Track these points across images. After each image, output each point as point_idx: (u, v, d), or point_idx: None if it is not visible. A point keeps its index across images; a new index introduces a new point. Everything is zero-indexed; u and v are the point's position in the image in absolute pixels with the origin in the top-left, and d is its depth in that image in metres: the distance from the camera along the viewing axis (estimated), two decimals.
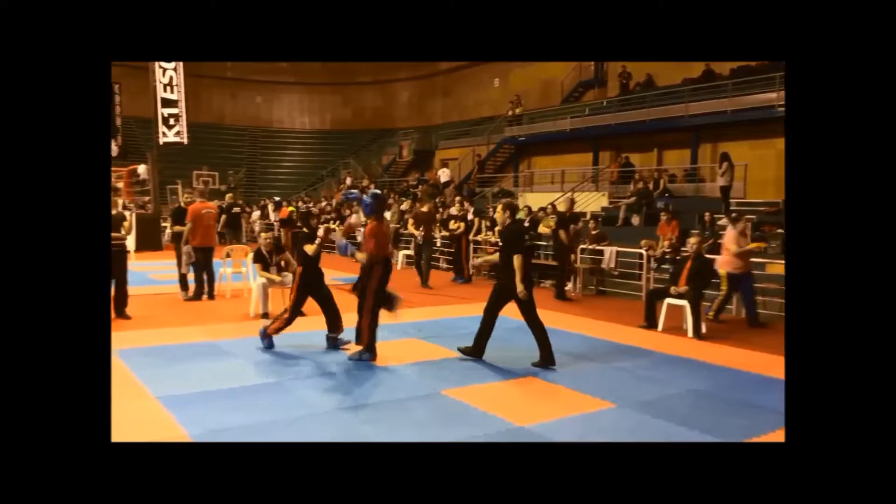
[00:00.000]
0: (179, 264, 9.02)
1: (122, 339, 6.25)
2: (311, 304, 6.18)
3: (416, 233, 11.40)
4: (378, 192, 6.15)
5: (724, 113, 14.44)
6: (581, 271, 10.46)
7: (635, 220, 13.32)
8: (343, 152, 28.29)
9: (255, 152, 29.32)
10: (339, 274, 11.07)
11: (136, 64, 19.88)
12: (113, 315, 7.30)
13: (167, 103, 17.00)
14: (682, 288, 7.29)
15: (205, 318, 7.66)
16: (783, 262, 8.05)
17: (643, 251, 9.92)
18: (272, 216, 18.04)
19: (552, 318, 7.94)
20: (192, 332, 6.74)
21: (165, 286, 9.73)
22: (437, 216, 13.16)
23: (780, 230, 10.08)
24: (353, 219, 8.97)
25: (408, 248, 13.17)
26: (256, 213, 20.62)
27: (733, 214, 8.74)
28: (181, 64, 17.10)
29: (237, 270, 9.43)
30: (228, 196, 16.43)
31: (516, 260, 5.51)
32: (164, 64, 16.80)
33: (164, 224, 15.96)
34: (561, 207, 12.18)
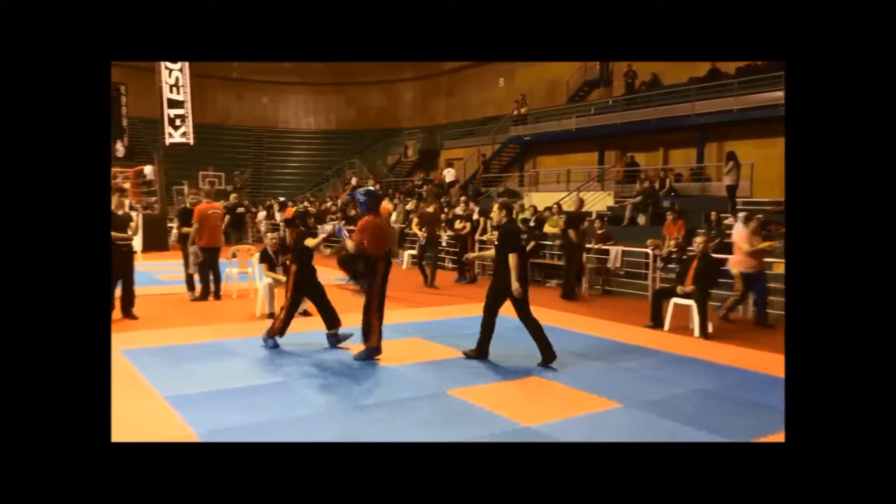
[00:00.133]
0: (186, 264, 9.05)
1: (129, 339, 6.28)
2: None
3: (419, 233, 11.41)
4: (371, 188, 6.16)
5: (730, 112, 14.37)
6: (588, 271, 10.45)
7: (641, 219, 13.28)
8: (348, 152, 28.30)
9: (260, 152, 29.37)
10: (341, 274, 11.05)
11: (141, 65, 19.93)
12: (120, 315, 7.34)
13: (173, 104, 17.03)
14: (689, 287, 7.27)
15: (211, 318, 7.69)
16: None
17: (649, 251, 9.89)
18: (277, 216, 18.09)
19: (558, 317, 7.94)
20: (198, 333, 6.76)
21: (172, 286, 9.76)
22: (443, 216, 13.16)
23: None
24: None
25: (413, 248, 13.17)
26: (262, 214, 20.67)
27: (742, 213, 8.69)
28: (187, 65, 17.11)
29: (243, 270, 9.46)
30: (233, 196, 16.47)
31: (511, 259, 5.54)
32: (169, 65, 16.82)
33: (170, 224, 16.02)
34: (569, 207, 12.15)
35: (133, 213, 8.32)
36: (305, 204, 18.83)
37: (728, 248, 8.95)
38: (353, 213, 16.19)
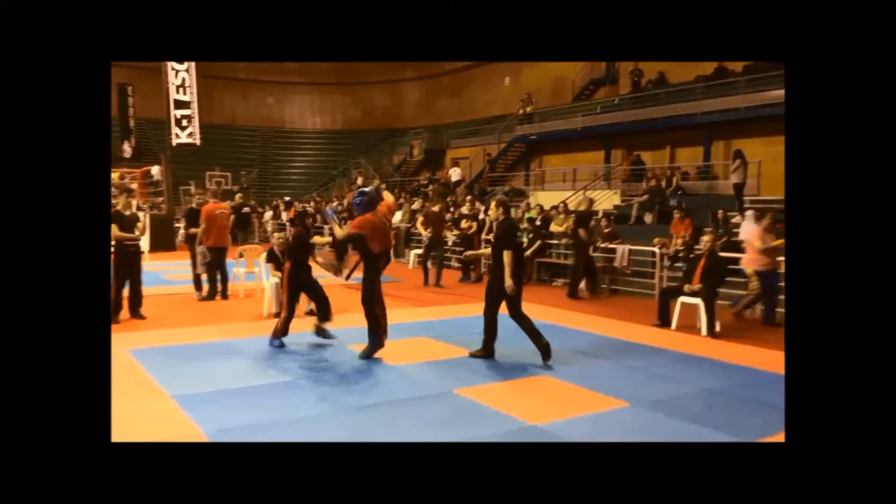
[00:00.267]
0: (194, 264, 9.09)
1: (137, 339, 6.31)
2: None
3: (424, 232, 11.41)
4: (366, 189, 6.16)
5: (737, 110, 14.32)
6: (596, 270, 10.42)
7: (648, 218, 13.24)
8: (354, 152, 28.35)
9: (267, 152, 29.46)
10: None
11: (148, 65, 20.01)
12: (128, 315, 7.37)
13: (180, 105, 17.08)
14: (696, 286, 7.25)
15: (218, 317, 7.71)
16: None
17: (656, 249, 9.87)
18: (284, 216, 18.14)
19: (565, 316, 7.93)
20: (206, 332, 6.79)
21: (179, 286, 9.80)
22: (448, 216, 13.16)
23: None
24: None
25: (419, 248, 13.19)
26: (269, 214, 20.73)
27: (752, 211, 8.65)
28: (193, 65, 17.15)
29: (250, 270, 9.49)
30: (238, 196, 16.51)
31: (506, 256, 5.53)
32: (176, 65, 16.86)
33: (177, 225, 16.07)
34: (578, 206, 12.12)
35: (140, 214, 8.35)
36: (304, 204, 18.90)
37: (735, 247, 8.92)
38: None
